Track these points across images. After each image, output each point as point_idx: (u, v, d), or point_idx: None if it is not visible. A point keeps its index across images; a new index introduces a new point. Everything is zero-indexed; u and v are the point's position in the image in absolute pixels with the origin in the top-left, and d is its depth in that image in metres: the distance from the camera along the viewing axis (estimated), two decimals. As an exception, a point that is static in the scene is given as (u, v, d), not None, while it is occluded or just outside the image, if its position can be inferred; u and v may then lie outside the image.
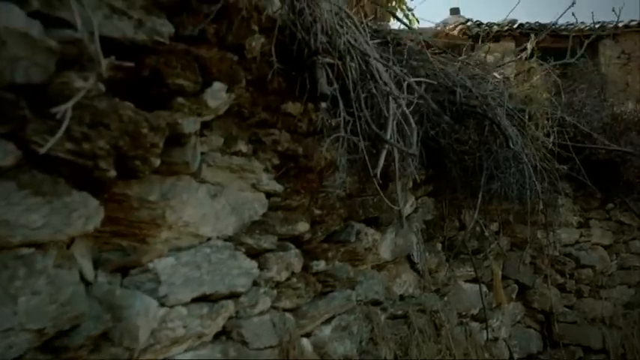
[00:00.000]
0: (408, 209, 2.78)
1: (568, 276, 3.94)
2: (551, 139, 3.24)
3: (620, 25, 12.28)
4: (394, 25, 7.84)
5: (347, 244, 2.19)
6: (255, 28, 1.64)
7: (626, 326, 4.06)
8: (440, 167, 2.93)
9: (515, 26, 12.61)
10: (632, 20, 12.53)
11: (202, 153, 1.55)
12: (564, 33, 12.42)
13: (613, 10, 10.22)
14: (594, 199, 4.25)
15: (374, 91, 2.00)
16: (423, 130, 2.53)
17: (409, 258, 2.80)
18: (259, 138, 1.78)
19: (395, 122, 1.98)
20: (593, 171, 3.81)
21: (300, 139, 1.93)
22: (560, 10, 5.93)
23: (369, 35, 2.15)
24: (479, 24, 12.90)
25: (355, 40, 1.93)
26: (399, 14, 8.83)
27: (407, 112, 1.90)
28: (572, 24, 12.73)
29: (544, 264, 3.68)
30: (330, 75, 1.85)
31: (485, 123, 2.76)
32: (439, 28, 15.45)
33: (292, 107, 1.91)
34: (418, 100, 2.02)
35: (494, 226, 3.53)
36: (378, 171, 1.87)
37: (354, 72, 1.95)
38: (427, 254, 2.93)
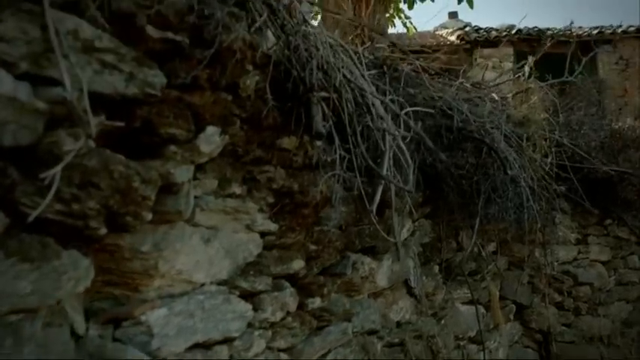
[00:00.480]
0: (404, 233, 2.77)
1: (566, 294, 3.93)
2: (549, 160, 3.23)
3: (619, 30, 12.31)
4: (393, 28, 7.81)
5: (343, 276, 2.17)
6: (250, 67, 1.62)
7: (624, 344, 4.05)
8: (437, 190, 2.91)
9: (514, 32, 12.63)
10: (630, 26, 12.56)
11: (196, 197, 1.53)
12: (562, 39, 12.46)
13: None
14: (592, 215, 4.23)
15: (370, 123, 1.98)
16: (419, 156, 2.52)
17: (406, 283, 2.78)
18: (254, 176, 1.76)
19: (391, 155, 1.96)
20: (591, 189, 3.80)
21: (295, 174, 1.91)
22: (560, 15, 5.94)
23: (364, 65, 2.14)
24: (477, 29, 12.93)
25: (351, 74, 1.91)
26: (397, 22, 8.83)
27: (403, 147, 1.88)
28: (570, 29, 12.77)
29: (542, 283, 3.66)
30: (326, 110, 1.83)
31: (482, 146, 2.74)
32: (437, 32, 15.45)
33: (288, 142, 1.89)
34: (414, 135, 2.00)
35: (491, 246, 3.51)
36: (374, 207, 1.86)
37: (350, 105, 1.94)
38: (424, 278, 2.91)
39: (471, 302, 3.22)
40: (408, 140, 2.10)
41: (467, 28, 12.85)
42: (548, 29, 13.95)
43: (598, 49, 12.53)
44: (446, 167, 2.70)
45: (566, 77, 3.90)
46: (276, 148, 1.87)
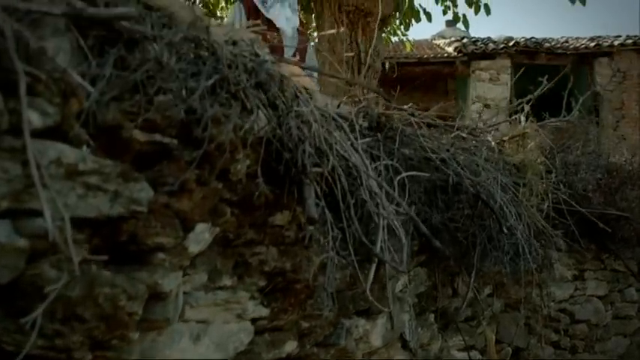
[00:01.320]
0: (399, 286, 2.74)
1: (562, 332, 3.91)
2: (545, 205, 3.21)
3: (616, 43, 12.31)
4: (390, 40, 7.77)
5: (337, 345, 2.15)
6: (240, 155, 1.60)
7: (622, 382, 4.03)
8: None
9: (511, 44, 12.63)
10: (627, 38, 12.56)
11: (185, 292, 1.50)
12: (560, 51, 12.48)
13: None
14: (589, 250, 4.21)
15: (364, 196, 1.96)
16: (414, 209, 2.50)
17: (401, 336, 2.76)
18: (245, 259, 1.73)
19: (385, 230, 1.94)
20: (589, 227, 3.79)
21: (287, 251, 1.88)
22: (556, 26, 5.94)
23: (359, 132, 2.11)
24: (474, 41, 12.92)
25: (345, 149, 1.89)
26: (394, 38, 8.80)
27: (397, 225, 1.86)
28: (567, 41, 12.78)
29: (538, 324, 3.64)
30: (319, 192, 1.81)
31: (478, 200, 2.72)
32: (434, 41, 15.38)
33: (280, 217, 1.87)
34: (410, 210, 1.98)
35: (487, 289, 3.49)
36: (368, 287, 1.83)
37: (343, 179, 1.91)
38: (419, 329, 2.89)
39: (467, 349, 3.20)
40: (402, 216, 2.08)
41: (464, 40, 12.85)
42: (545, 39, 13.97)
43: (595, 61, 12.58)
44: (441, 222, 2.68)
45: (564, 116, 3.88)
46: (269, 225, 1.84)
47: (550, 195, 3.25)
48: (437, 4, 7.04)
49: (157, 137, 1.35)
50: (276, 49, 3.18)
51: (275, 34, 3.22)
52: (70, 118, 1.16)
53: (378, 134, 2.20)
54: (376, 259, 1.89)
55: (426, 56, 12.56)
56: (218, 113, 1.41)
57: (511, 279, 3.15)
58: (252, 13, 3.27)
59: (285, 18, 3.26)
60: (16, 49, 1.04)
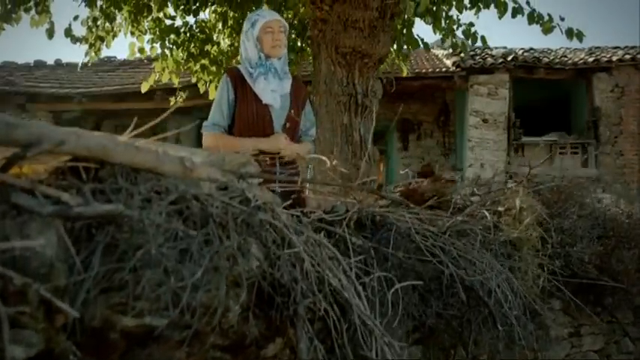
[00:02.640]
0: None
1: (558, 394, 3.90)
2: (541, 281, 3.21)
3: (615, 59, 12.30)
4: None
5: None
6: (231, 314, 1.59)
7: None
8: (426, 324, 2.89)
9: (510, 59, 12.61)
10: (626, 53, 12.54)
11: None
12: (558, 66, 12.47)
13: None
14: (585, 305, 4.20)
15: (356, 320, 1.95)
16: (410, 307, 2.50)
17: None
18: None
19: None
20: (586, 289, 3.79)
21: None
22: (554, 39, 5.97)
23: (352, 250, 2.11)
24: (473, 55, 12.88)
25: (337, 280, 1.88)
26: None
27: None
28: (566, 55, 12.76)
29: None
30: (311, 330, 1.80)
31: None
32: (432, 51, 15.29)
33: (272, 348, 1.86)
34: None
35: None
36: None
37: (335, 309, 1.90)
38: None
39: None
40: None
41: (462, 54, 12.79)
42: (543, 52, 13.95)
43: (593, 75, 12.57)
44: (436, 312, 2.68)
45: (561, 180, 3.86)
46: (261, 358, 1.84)
47: (546, 269, 3.24)
48: (435, 33, 7.02)
49: (147, 320, 1.35)
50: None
51: (264, 108, 3.19)
52: (56, 336, 1.15)
53: (371, 252, 2.18)
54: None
55: (424, 71, 12.53)
56: (208, 297, 1.40)
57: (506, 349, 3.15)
58: (239, 85, 3.20)
59: (271, 90, 3.17)
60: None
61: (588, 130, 12.53)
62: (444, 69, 12.85)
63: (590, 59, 12.42)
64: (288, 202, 2.07)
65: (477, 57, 12.76)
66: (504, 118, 12.43)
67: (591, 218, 3.77)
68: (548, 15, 6.16)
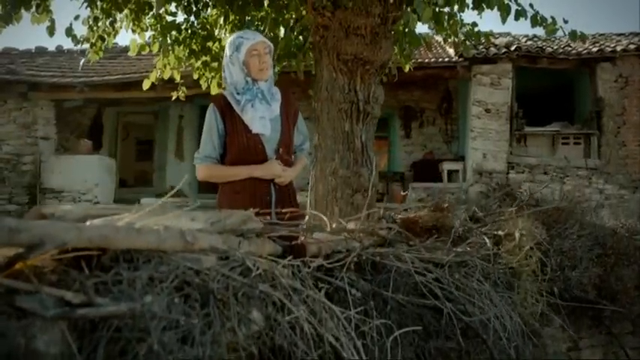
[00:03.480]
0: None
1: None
2: (540, 307, 3.24)
3: (619, 49, 12.20)
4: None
5: None
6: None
7: None
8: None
9: (513, 48, 12.51)
10: (630, 43, 12.43)
11: None
12: (562, 56, 12.38)
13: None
14: (584, 318, 4.25)
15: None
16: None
17: None
18: None
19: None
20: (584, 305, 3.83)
21: None
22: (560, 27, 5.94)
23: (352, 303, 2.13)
24: (475, 45, 12.77)
25: (338, 342, 1.91)
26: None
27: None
28: (569, 45, 12.65)
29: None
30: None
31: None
32: (434, 37, 15.17)
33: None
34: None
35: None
36: None
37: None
38: None
39: None
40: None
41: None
42: (546, 40, 13.84)
43: (597, 65, 12.49)
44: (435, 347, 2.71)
45: (560, 202, 3.87)
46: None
47: (545, 294, 3.27)
48: (437, 34, 6.98)
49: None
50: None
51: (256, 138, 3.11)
52: None
53: (371, 297, 2.21)
54: None
55: (427, 60, 12.46)
56: None
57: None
58: (227, 115, 3.11)
59: (260, 117, 3.07)
60: None
61: (591, 121, 12.48)
62: (446, 59, 12.78)
63: (594, 49, 12.31)
64: (289, 253, 2.09)
65: (480, 46, 12.64)
66: (507, 108, 12.38)
67: (591, 238, 3.78)
68: (552, 17, 6.10)
